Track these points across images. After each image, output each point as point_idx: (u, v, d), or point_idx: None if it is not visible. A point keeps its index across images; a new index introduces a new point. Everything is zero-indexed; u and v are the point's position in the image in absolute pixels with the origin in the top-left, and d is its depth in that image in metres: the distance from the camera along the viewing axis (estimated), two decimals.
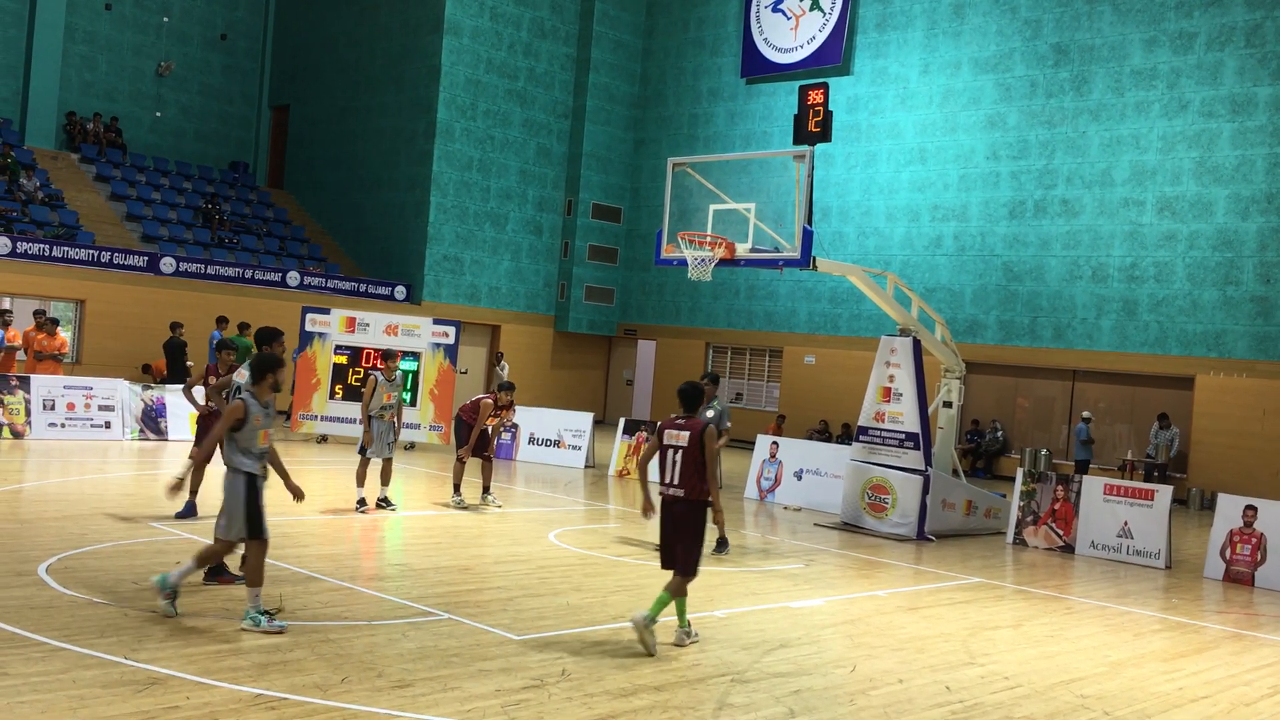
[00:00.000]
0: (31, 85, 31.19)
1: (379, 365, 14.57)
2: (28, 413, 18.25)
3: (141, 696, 6.22)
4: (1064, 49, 25.49)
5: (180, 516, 11.88)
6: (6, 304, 24.02)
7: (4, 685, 6.24)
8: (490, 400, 14.53)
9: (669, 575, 8.35)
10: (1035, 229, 25.75)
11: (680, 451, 8.30)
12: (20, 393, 18.25)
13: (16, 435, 18.01)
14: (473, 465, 15.39)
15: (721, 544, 12.63)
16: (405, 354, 21.18)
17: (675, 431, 8.36)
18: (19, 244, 24.13)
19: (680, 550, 8.30)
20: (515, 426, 21.16)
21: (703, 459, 8.24)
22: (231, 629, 7.72)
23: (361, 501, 13.47)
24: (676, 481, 8.32)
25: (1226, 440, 22.74)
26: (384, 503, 13.68)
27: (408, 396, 20.41)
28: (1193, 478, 23.08)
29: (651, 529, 14.42)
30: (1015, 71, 26.23)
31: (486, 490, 14.82)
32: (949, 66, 27.34)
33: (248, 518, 7.91)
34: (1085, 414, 23.71)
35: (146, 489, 14.55)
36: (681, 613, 8.34)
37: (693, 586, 8.57)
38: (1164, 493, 14.47)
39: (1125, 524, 14.44)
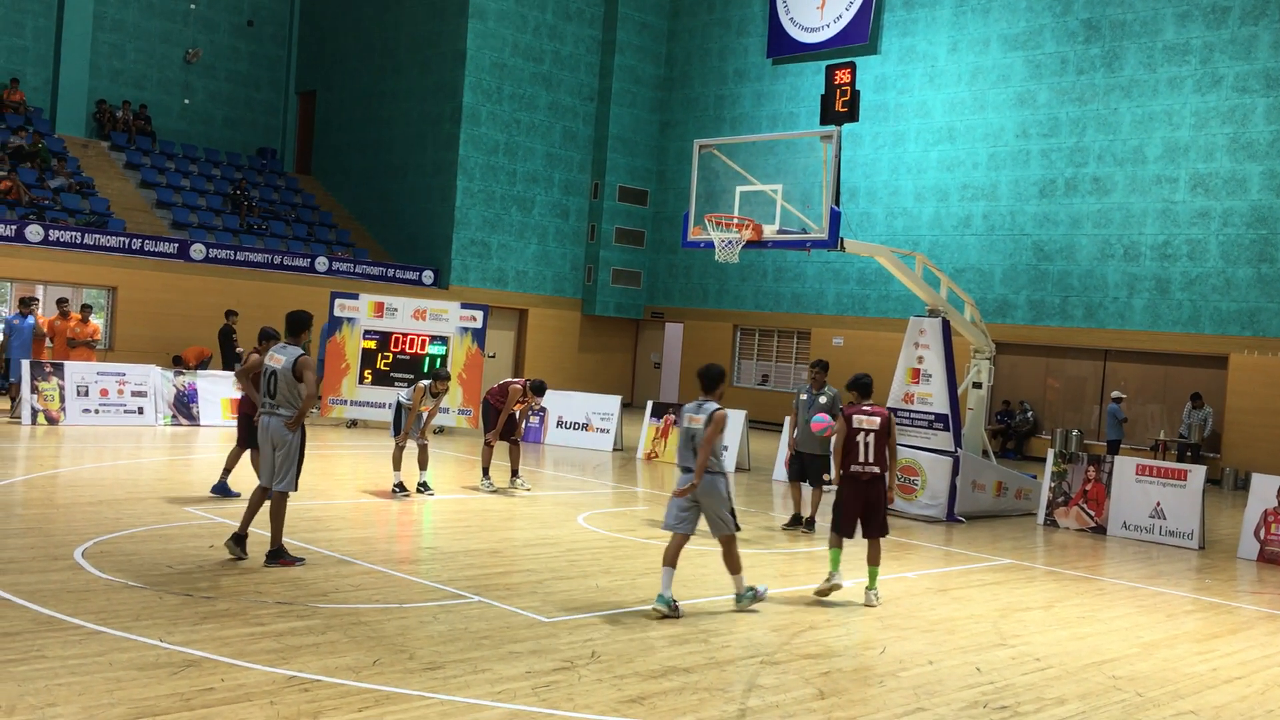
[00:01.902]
0: (61, 74, 31.42)
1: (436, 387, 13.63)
2: (62, 399, 18.45)
3: (177, 679, 6.29)
4: (1095, 24, 25.18)
5: (217, 493, 12.37)
6: (38, 292, 24.28)
7: (42, 667, 6.33)
8: (519, 386, 14.55)
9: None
10: (1066, 207, 25.50)
11: (872, 434, 9.46)
12: (54, 379, 18.45)
13: (51, 421, 18.22)
14: (501, 449, 15.43)
15: (810, 523, 13.21)
16: (433, 338, 21.28)
17: (865, 417, 9.53)
18: (51, 232, 24.36)
19: (882, 519, 9.54)
20: (543, 410, 21.20)
21: (888, 440, 9.51)
22: (264, 612, 7.79)
23: (400, 486, 13.54)
24: (872, 460, 9.47)
25: (1261, 420, 22.49)
26: (423, 487, 13.78)
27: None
28: (1226, 457, 22.85)
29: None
30: (1045, 48, 25.94)
31: (515, 474, 14.86)
32: (978, 44, 27.08)
33: (732, 513, 8.77)
34: (1115, 393, 23.45)
35: (180, 474, 14.70)
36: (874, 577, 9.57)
37: (722, 568, 8.98)
38: (1197, 473, 14.33)
39: (1158, 504, 14.32)
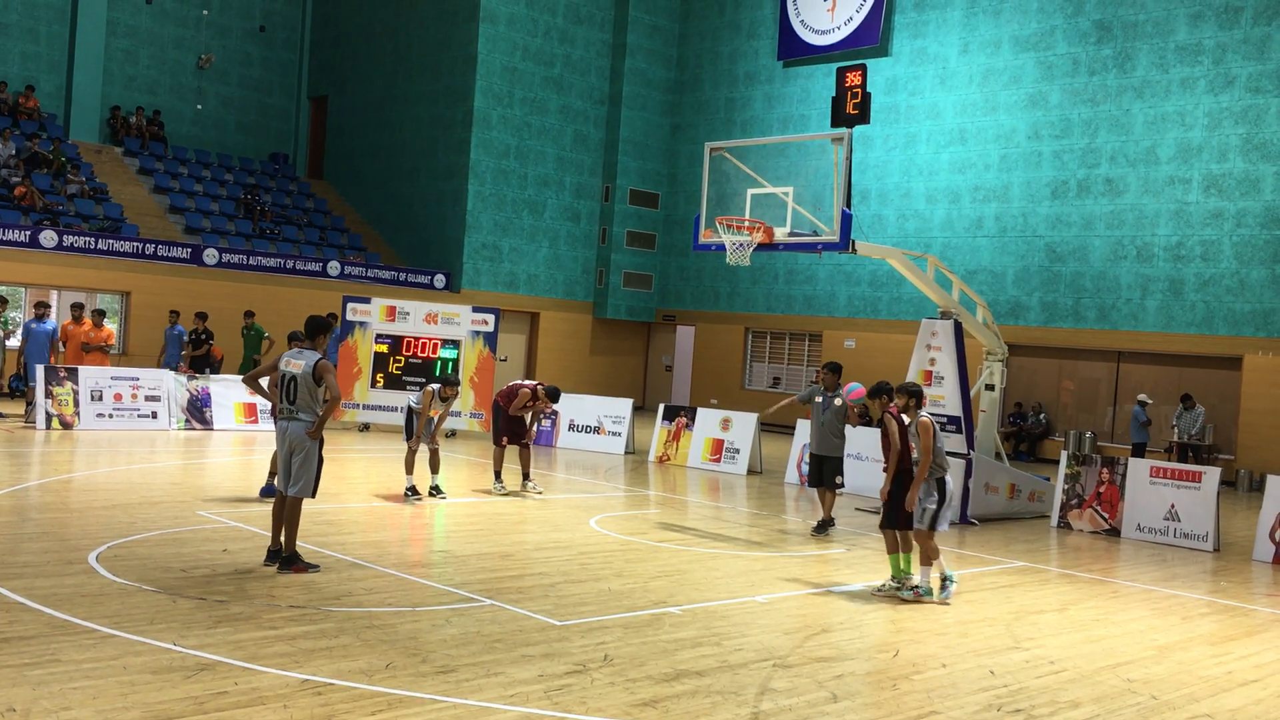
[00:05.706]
0: (75, 80, 31.59)
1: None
2: (76, 403, 18.53)
3: (191, 682, 6.31)
4: (1107, 25, 25.11)
5: (264, 494, 12.69)
6: (52, 298, 24.39)
7: (57, 672, 6.35)
8: (527, 390, 14.54)
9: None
10: (1078, 209, 25.43)
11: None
12: (68, 384, 18.53)
13: (65, 426, 18.30)
14: (512, 452, 15.45)
15: (828, 524, 13.25)
16: (445, 342, 21.31)
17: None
18: (65, 237, 24.48)
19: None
20: (555, 413, 21.20)
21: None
22: (277, 616, 7.81)
23: (412, 489, 13.57)
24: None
25: (1275, 421, 22.37)
26: (435, 491, 13.80)
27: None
28: (1241, 459, 22.74)
29: (697, 515, 14.41)
30: (1057, 49, 25.88)
31: (527, 477, 14.86)
32: (989, 45, 27.03)
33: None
34: (1141, 397, 23.20)
35: (193, 478, 14.75)
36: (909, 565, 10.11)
37: (735, 571, 8.89)
38: (1211, 474, 14.26)
39: (1172, 506, 14.26)
